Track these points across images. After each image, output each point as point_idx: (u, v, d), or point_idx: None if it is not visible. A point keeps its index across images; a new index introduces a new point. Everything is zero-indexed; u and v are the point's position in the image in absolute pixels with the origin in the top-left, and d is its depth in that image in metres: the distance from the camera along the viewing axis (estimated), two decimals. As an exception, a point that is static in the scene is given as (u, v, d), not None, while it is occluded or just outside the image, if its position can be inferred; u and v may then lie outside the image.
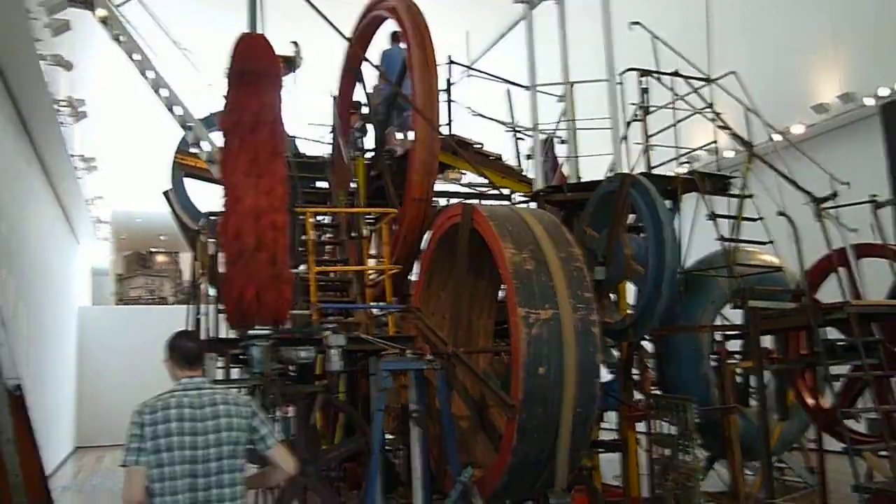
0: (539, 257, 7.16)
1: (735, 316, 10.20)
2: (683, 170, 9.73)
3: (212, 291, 8.91)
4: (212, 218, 9.36)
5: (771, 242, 8.94)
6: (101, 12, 11.91)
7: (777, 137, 11.87)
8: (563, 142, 10.50)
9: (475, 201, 9.06)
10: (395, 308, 8.90)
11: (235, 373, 9.12)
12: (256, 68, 7.23)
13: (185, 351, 4.17)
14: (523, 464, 6.96)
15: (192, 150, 14.72)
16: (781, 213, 8.23)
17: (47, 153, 15.27)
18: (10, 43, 10.55)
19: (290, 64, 13.17)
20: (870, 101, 14.40)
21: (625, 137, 9.61)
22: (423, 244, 9.72)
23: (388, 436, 10.15)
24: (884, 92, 14.17)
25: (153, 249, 37.78)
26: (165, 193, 14.61)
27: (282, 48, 12.83)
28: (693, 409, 8.16)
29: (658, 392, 9.62)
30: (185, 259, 32.68)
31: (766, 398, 8.31)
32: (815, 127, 15.33)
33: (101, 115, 17.98)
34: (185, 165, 14.65)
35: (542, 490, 7.23)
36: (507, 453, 6.92)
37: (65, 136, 14.82)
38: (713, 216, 8.78)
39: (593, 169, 10.35)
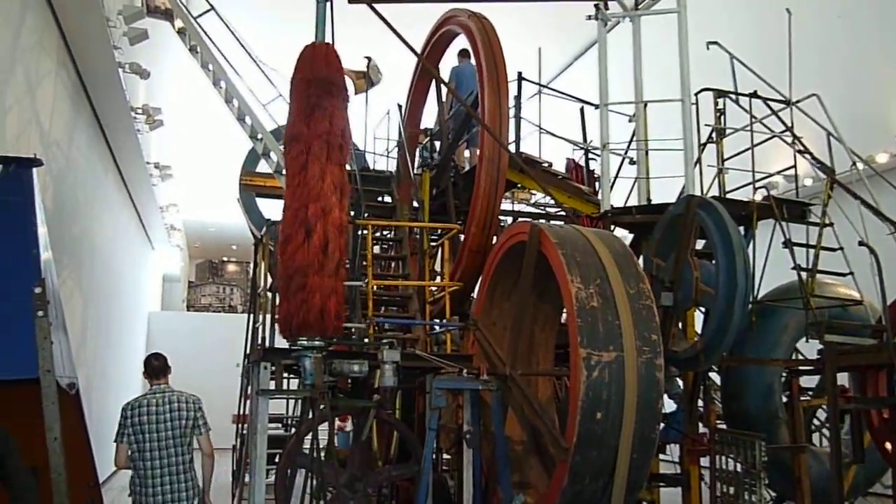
0: (606, 293, 6.85)
1: (809, 350, 9.73)
2: (759, 196, 9.30)
3: (272, 300, 8.88)
4: (274, 226, 9.36)
5: (851, 274, 8.47)
6: (179, 23, 12.20)
7: (860, 165, 11.35)
8: (632, 162, 10.19)
9: (542, 221, 8.77)
10: (453, 326, 8.73)
11: (292, 384, 9.09)
12: (320, 77, 7.18)
13: (153, 367, 6.67)
14: (574, 503, 6.74)
15: (260, 166, 15.07)
16: (863, 244, 7.79)
17: (123, 160, 15.67)
18: (90, 50, 10.83)
19: (368, 79, 13.23)
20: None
21: (699, 160, 9.27)
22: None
23: (445, 455, 9.99)
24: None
25: (225, 259, 38.54)
26: (238, 199, 14.84)
27: (353, 61, 12.99)
28: (762, 446, 7.74)
29: (723, 426, 9.20)
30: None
31: (839, 439, 7.80)
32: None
33: (177, 124, 18.35)
34: (250, 186, 14.88)
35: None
36: (556, 493, 6.71)
37: (141, 143, 15.17)
38: (789, 244, 8.38)
39: (665, 192, 10.02)
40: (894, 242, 8.35)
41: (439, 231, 10.87)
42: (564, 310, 8.38)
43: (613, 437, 6.55)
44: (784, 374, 9.36)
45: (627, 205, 9.82)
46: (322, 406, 6.81)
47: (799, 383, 9.37)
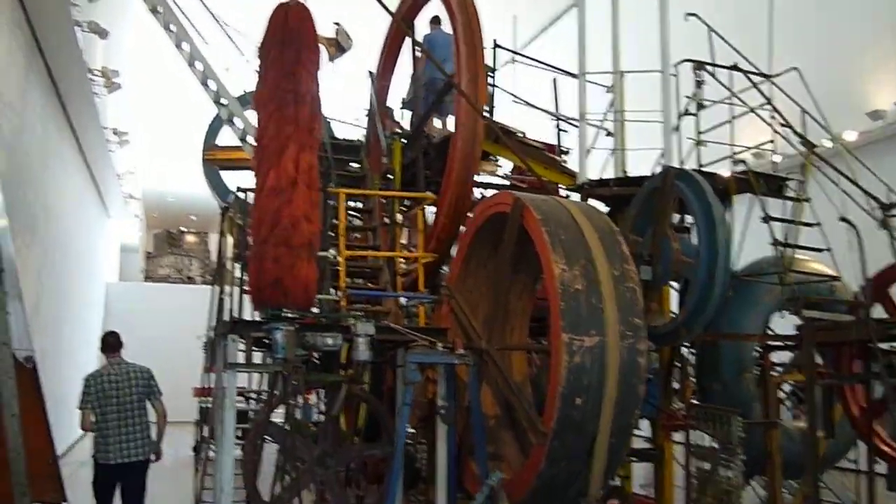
0: (591, 276, 6.63)
1: (781, 327, 9.72)
2: (736, 170, 9.19)
3: (238, 272, 8.56)
4: (240, 195, 9.03)
5: (829, 250, 8.43)
6: (140, -19, 11.69)
7: (828, 143, 11.34)
8: (609, 134, 10.00)
9: (524, 193, 8.49)
10: (426, 298, 8.52)
11: (258, 357, 8.80)
12: (294, 38, 6.86)
13: (108, 344, 7.84)
14: (549, 485, 6.64)
15: (223, 136, 14.64)
16: (844, 219, 7.73)
17: (80, 124, 15.08)
18: (45, 6, 10.28)
19: (339, 46, 12.86)
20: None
21: (676, 128, 9.11)
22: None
23: (409, 429, 9.81)
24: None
25: (183, 229, 37.84)
26: (203, 173, 14.46)
27: (321, 28, 12.59)
28: (738, 422, 7.68)
29: (697, 402, 9.15)
30: (215, 240, 32.69)
31: (816, 415, 7.77)
32: (871, 134, 14.73)
33: (136, 88, 17.76)
34: (214, 161, 14.49)
35: (574, 501, 6.83)
36: (531, 474, 6.59)
37: (98, 107, 14.59)
38: (768, 218, 8.29)
39: (641, 166, 9.87)
40: (868, 219, 8.31)
41: (408, 202, 10.60)
42: (542, 280, 8.25)
43: (592, 422, 6.41)
44: (757, 350, 9.31)
45: (603, 178, 9.62)
46: (295, 380, 6.58)
47: (770, 359, 9.37)
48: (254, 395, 15.30)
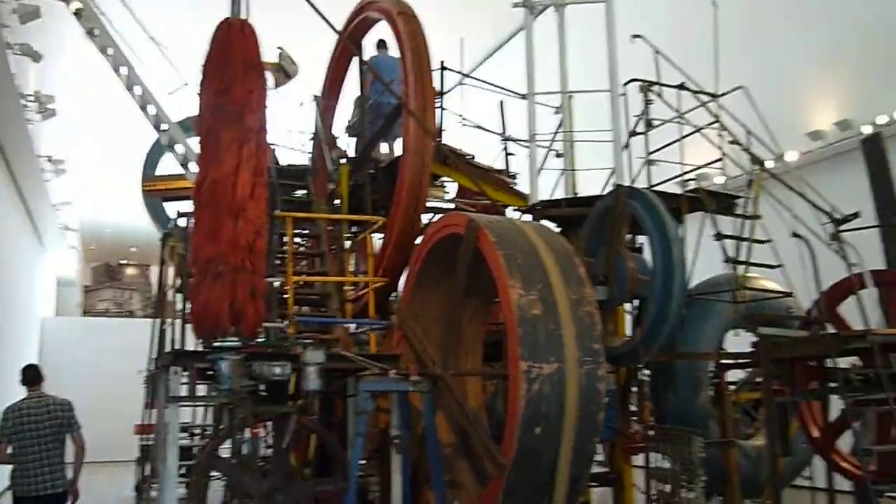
0: (548, 300, 6.44)
1: (734, 346, 9.69)
2: (687, 188, 9.17)
3: (180, 302, 8.19)
4: (181, 222, 8.68)
5: (780, 266, 8.42)
6: (75, 4, 11.29)
7: (770, 164, 11.43)
8: (559, 155, 9.94)
9: (477, 214, 8.28)
10: (377, 323, 8.27)
11: (202, 389, 8.44)
12: (237, 53, 6.60)
13: (27, 376, 7.75)
14: None
15: (164, 164, 14.22)
16: (796, 235, 7.73)
17: (12, 151, 14.46)
18: (-27, 27, 9.86)
19: (284, 72, 12.58)
20: (867, 129, 14.06)
21: (626, 146, 9.07)
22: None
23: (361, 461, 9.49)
24: (882, 119, 13.85)
25: (123, 262, 36.87)
26: (144, 205, 14.05)
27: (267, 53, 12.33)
28: (698, 442, 7.58)
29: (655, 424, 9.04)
30: (157, 272, 31.84)
31: (776, 433, 7.70)
32: (811, 154, 14.99)
33: (72, 114, 17.20)
34: (154, 192, 14.11)
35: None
36: None
37: (31, 133, 14.04)
38: (720, 236, 8.25)
39: (591, 187, 9.81)
40: (816, 237, 8.33)
41: (356, 227, 10.35)
42: (495, 303, 8.06)
43: (552, 450, 6.23)
44: (712, 370, 9.25)
45: (554, 198, 9.52)
46: (242, 412, 6.25)
47: (725, 378, 9.33)
48: (198, 431, 14.77)
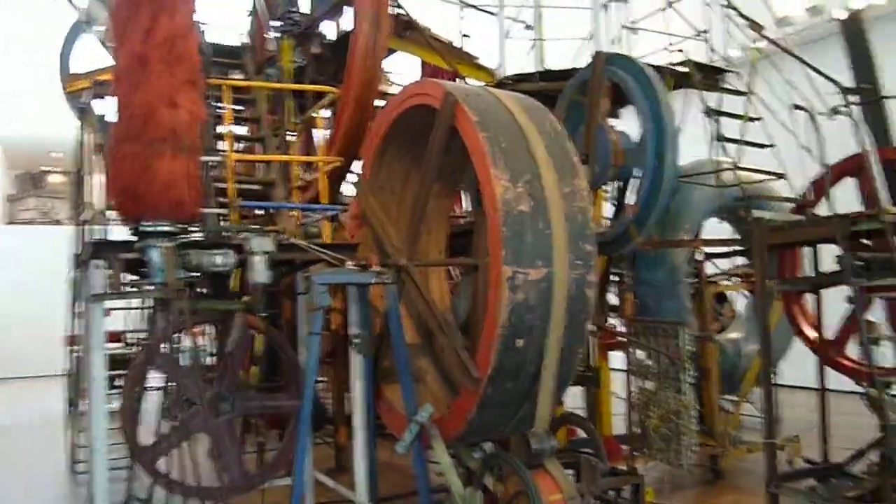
0: (537, 194, 5.52)
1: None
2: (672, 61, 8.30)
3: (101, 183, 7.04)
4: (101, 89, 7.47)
5: (772, 146, 7.71)
6: None
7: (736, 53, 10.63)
8: (528, 27, 8.92)
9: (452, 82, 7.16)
10: (332, 208, 7.33)
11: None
12: None
13: None
14: (480, 428, 5.80)
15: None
16: (798, 107, 6.96)
17: None
18: None
19: None
20: (841, 15, 13.29)
21: (605, 6, 8.10)
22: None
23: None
24: (856, 4, 13.08)
25: (46, 169, 34.76)
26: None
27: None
28: (686, 333, 6.95)
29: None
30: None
31: (768, 326, 7.07)
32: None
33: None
34: (78, 91, 12.62)
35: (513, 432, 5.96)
36: (461, 422, 5.71)
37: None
38: (711, 112, 7.46)
39: (563, 61, 8.87)
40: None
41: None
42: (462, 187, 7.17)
43: (533, 365, 5.53)
44: (696, 259, 8.63)
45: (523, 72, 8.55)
46: (180, 310, 5.32)
47: (705, 268, 8.74)
48: (135, 339, 13.75)
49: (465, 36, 9.81)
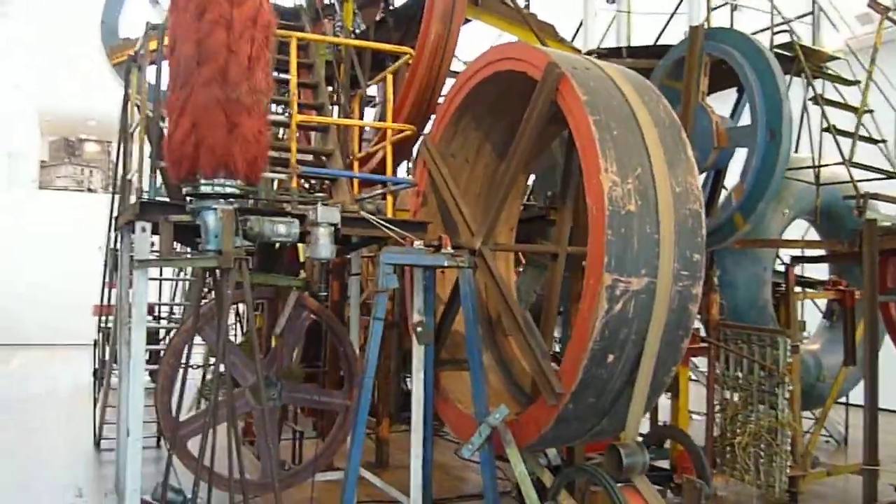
0: (648, 192, 4.84)
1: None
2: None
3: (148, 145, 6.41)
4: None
5: (884, 141, 6.97)
6: None
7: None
8: (611, 1, 8.22)
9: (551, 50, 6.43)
10: (403, 182, 6.69)
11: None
12: None
13: None
14: (553, 440, 5.43)
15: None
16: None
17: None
18: None
19: None
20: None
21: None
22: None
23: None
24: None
25: (82, 136, 34.49)
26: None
27: None
28: (787, 344, 6.24)
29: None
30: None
31: (877, 339, 6.37)
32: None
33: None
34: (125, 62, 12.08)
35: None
36: (534, 434, 5.18)
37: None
38: (820, 99, 6.72)
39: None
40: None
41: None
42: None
43: (620, 381, 4.93)
44: (784, 263, 7.90)
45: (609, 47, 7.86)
46: (237, 283, 4.68)
47: (794, 273, 8.00)
48: (165, 313, 13.25)
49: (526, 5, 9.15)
